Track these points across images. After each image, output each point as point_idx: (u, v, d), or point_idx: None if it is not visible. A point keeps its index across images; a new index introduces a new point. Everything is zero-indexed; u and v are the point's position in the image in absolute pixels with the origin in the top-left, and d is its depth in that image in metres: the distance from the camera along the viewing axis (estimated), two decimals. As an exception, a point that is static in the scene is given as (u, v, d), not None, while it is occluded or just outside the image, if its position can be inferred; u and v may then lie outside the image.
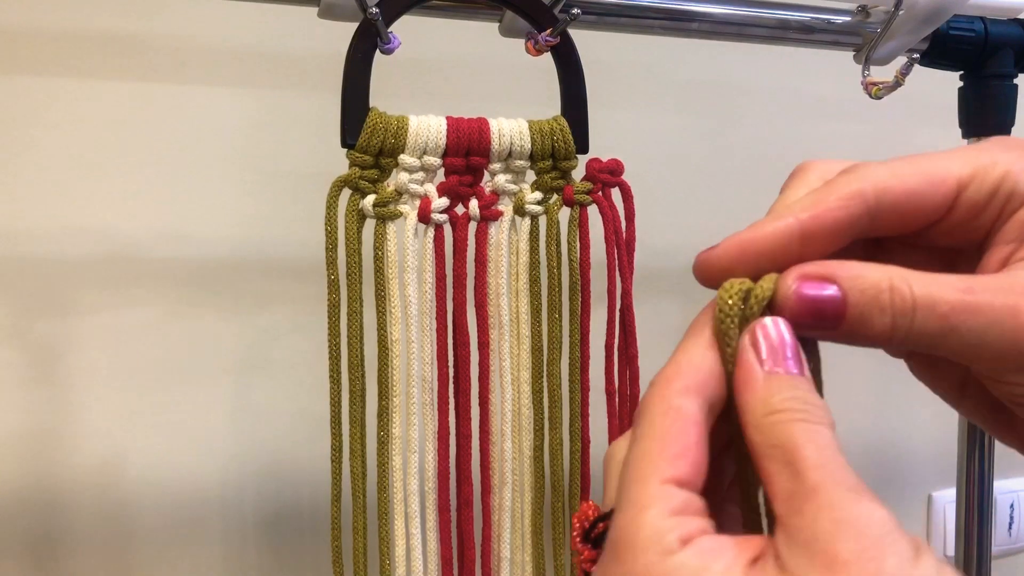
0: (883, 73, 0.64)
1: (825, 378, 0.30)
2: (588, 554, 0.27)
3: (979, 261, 0.29)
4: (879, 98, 0.63)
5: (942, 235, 0.29)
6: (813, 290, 0.27)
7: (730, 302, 0.28)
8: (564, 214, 0.56)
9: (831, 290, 0.27)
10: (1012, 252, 0.28)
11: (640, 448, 0.26)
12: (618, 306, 0.56)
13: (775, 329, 0.27)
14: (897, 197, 0.28)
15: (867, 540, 0.23)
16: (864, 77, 0.64)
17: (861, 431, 1.02)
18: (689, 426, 0.26)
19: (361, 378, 0.54)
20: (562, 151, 0.55)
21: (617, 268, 0.56)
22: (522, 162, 0.54)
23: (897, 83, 0.61)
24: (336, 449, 0.53)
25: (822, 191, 0.29)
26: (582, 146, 0.55)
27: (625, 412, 0.57)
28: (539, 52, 0.56)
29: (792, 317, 0.27)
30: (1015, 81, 0.71)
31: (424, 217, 0.53)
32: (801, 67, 0.93)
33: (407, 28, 0.53)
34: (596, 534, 0.27)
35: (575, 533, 0.28)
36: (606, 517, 0.27)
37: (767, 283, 0.28)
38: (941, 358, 0.29)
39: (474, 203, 0.54)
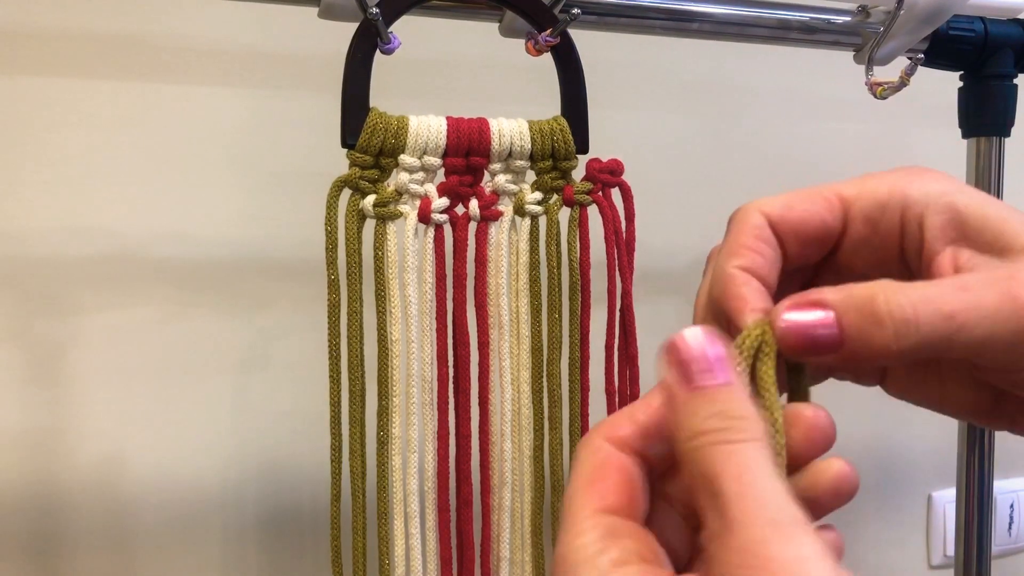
0: (883, 73, 0.64)
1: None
2: None
3: (926, 277, 0.30)
4: (884, 98, 0.63)
5: (858, 257, 0.31)
6: (802, 316, 0.27)
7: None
8: (564, 214, 0.56)
9: (820, 313, 0.27)
10: (954, 257, 0.29)
11: (572, 487, 0.27)
12: (618, 306, 0.56)
13: (692, 340, 0.26)
14: (793, 223, 0.30)
15: None
16: (868, 77, 0.64)
17: (861, 431, 1.02)
18: (610, 464, 0.27)
19: (361, 378, 0.54)
20: (562, 151, 0.55)
21: (617, 268, 0.56)
22: (522, 162, 0.54)
23: (902, 83, 0.61)
24: (336, 449, 0.53)
25: (730, 243, 0.30)
26: (582, 146, 0.55)
27: (625, 412, 0.57)
28: (539, 52, 0.56)
29: (789, 348, 0.27)
30: (1015, 81, 0.71)
31: (424, 217, 0.52)
32: (801, 67, 0.93)
33: (407, 28, 0.53)
34: None
35: None
36: None
37: (755, 328, 0.28)
38: (916, 369, 0.30)
39: (474, 203, 0.54)
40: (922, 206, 0.30)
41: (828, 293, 0.27)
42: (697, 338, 0.26)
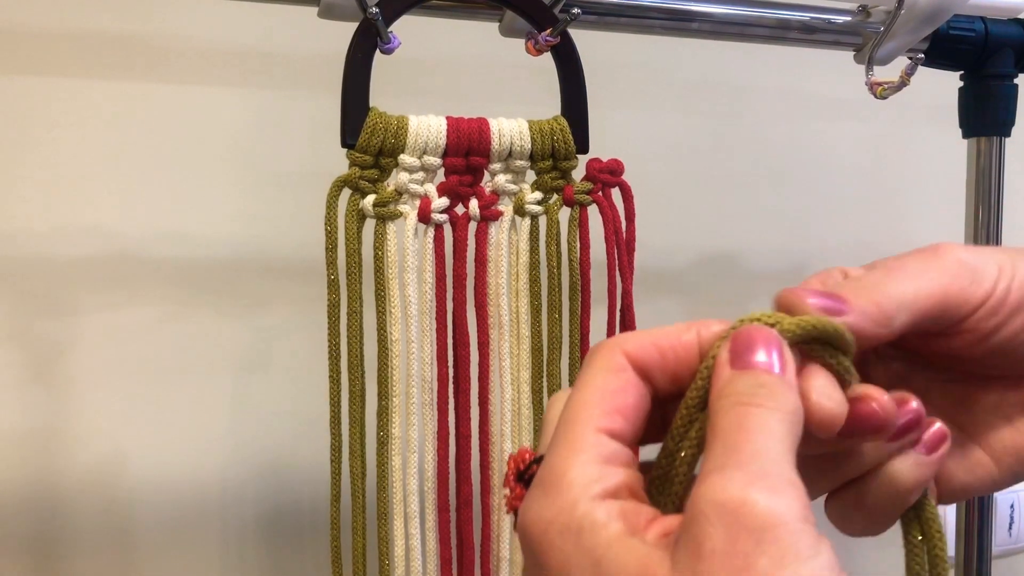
0: (884, 73, 0.64)
1: None
2: (519, 492, 0.28)
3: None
4: (884, 98, 0.63)
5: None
6: (821, 298, 0.29)
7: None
8: (564, 214, 0.56)
9: (833, 300, 0.29)
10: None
11: (581, 396, 0.26)
12: (618, 306, 0.56)
13: (762, 338, 0.27)
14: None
15: (743, 532, 0.21)
16: (869, 77, 0.64)
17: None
18: (630, 387, 0.27)
19: (361, 378, 0.54)
20: (562, 151, 0.55)
21: (617, 268, 0.56)
22: (522, 162, 0.54)
23: (902, 83, 0.61)
24: (336, 449, 0.53)
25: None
26: (582, 146, 0.55)
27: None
28: (539, 52, 0.55)
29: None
30: (1015, 81, 0.71)
31: (424, 217, 0.52)
32: (801, 67, 0.93)
33: (407, 28, 0.53)
34: (529, 475, 0.27)
35: (509, 472, 0.29)
36: (541, 460, 0.27)
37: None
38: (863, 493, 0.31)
39: (474, 203, 0.54)
40: None
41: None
42: (766, 335, 0.27)
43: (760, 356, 0.26)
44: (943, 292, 0.29)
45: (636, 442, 0.27)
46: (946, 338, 0.31)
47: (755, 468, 0.23)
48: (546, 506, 0.25)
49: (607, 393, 0.26)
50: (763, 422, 0.24)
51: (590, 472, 0.25)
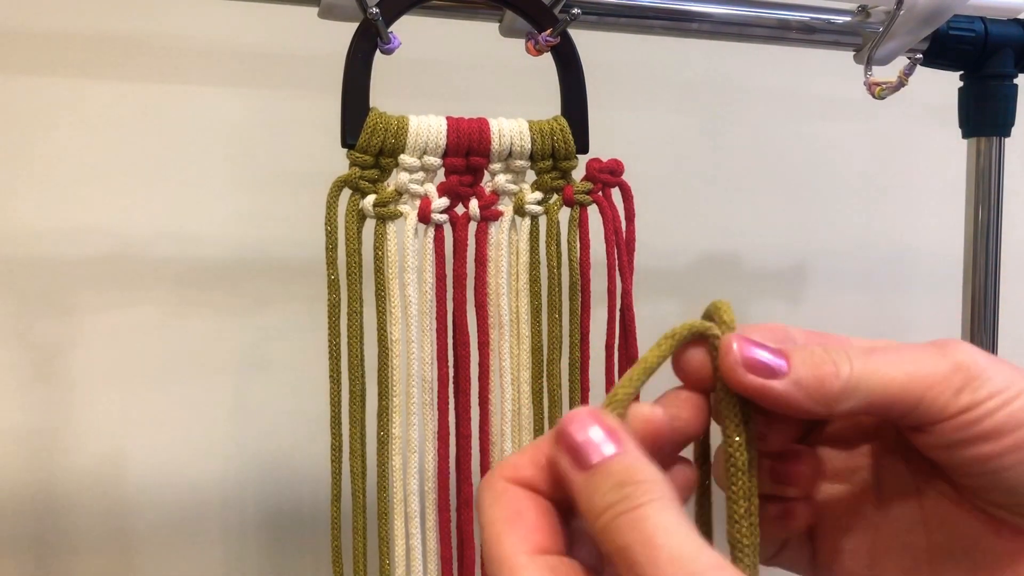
0: (883, 73, 0.64)
1: None
2: None
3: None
4: (882, 98, 0.63)
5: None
6: (754, 345, 0.28)
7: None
8: (564, 214, 0.56)
9: (769, 352, 0.29)
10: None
11: (491, 532, 0.26)
12: (618, 306, 0.56)
13: (576, 422, 0.26)
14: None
15: None
16: (867, 77, 0.64)
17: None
18: (525, 501, 0.27)
19: (361, 378, 0.54)
20: (562, 151, 0.55)
21: (617, 268, 0.56)
22: (522, 162, 0.54)
23: (900, 83, 0.61)
24: (336, 449, 0.53)
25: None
26: (582, 146, 0.55)
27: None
28: (539, 52, 0.55)
29: (746, 366, 0.28)
30: (1015, 81, 0.71)
31: (424, 217, 0.52)
32: (801, 67, 0.93)
33: (407, 28, 0.53)
34: None
35: None
36: None
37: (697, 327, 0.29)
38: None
39: (474, 203, 0.54)
40: None
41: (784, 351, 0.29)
42: (580, 419, 0.26)
43: (595, 442, 0.26)
44: (919, 390, 0.28)
45: (563, 547, 0.27)
46: (921, 433, 0.30)
47: (685, 571, 0.23)
48: None
49: (511, 517, 0.26)
50: (652, 521, 0.24)
51: None
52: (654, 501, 0.24)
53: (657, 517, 0.24)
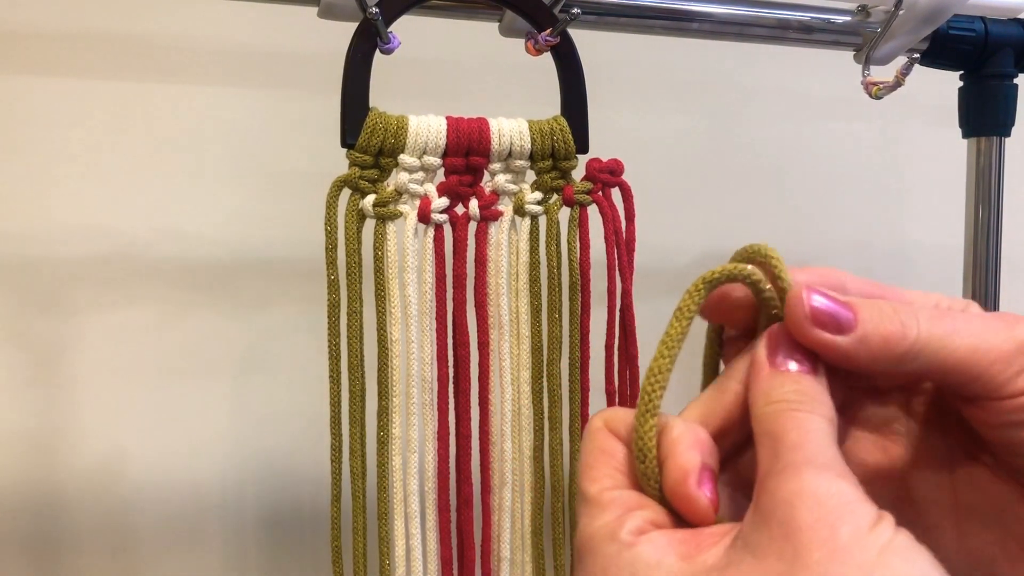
0: (883, 73, 0.64)
1: None
2: None
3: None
4: (879, 98, 0.63)
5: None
6: (827, 295, 0.29)
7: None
8: (564, 214, 0.56)
9: (840, 300, 0.29)
10: None
11: (581, 467, 0.29)
12: (618, 306, 0.56)
13: (786, 331, 0.29)
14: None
15: (824, 509, 0.24)
16: (864, 77, 0.64)
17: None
18: (617, 443, 0.29)
19: (361, 378, 0.54)
20: (562, 151, 0.55)
21: (617, 268, 0.56)
22: (522, 162, 0.54)
23: (897, 83, 0.61)
24: (336, 449, 0.53)
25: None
26: (582, 146, 0.55)
27: (625, 412, 0.57)
28: (539, 52, 0.55)
29: (814, 319, 0.29)
30: (1015, 81, 0.71)
31: (424, 217, 0.52)
32: (801, 67, 0.93)
33: (407, 28, 0.53)
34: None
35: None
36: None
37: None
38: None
39: (474, 203, 0.54)
40: None
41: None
42: (798, 332, 0.28)
43: (795, 360, 0.28)
44: (981, 365, 0.28)
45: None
46: (974, 407, 0.30)
47: (820, 462, 0.25)
48: (589, 571, 0.27)
49: (598, 453, 0.29)
50: (814, 425, 0.26)
51: (613, 526, 0.26)
52: (822, 416, 0.27)
53: (818, 424, 0.27)
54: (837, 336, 0.28)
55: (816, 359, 0.28)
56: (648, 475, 0.28)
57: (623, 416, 0.30)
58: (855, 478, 0.25)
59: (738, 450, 0.30)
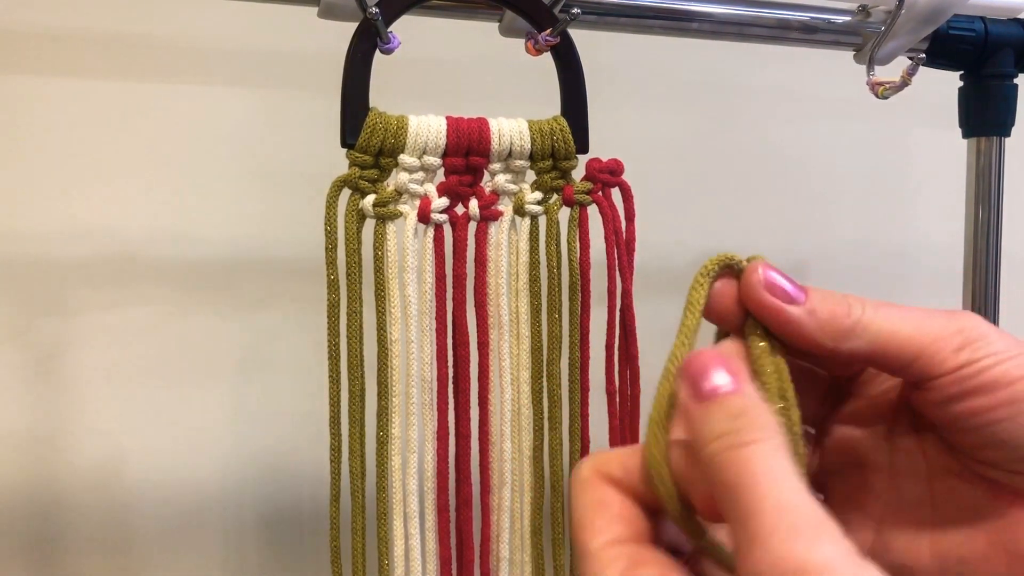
0: (882, 72, 0.64)
1: None
2: None
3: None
4: (885, 98, 0.63)
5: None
6: (779, 276, 0.30)
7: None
8: (564, 214, 0.56)
9: (794, 287, 0.31)
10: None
11: (577, 521, 0.28)
12: (618, 306, 0.56)
13: (699, 357, 0.28)
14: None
15: None
16: (870, 77, 0.64)
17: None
18: (611, 494, 0.28)
19: (360, 378, 0.54)
20: (562, 151, 0.55)
21: (617, 268, 0.56)
22: (522, 162, 0.54)
23: (904, 83, 0.61)
24: (335, 449, 0.53)
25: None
26: (582, 146, 0.55)
27: (625, 412, 0.57)
28: (539, 52, 0.55)
29: (767, 286, 0.30)
30: (1015, 81, 0.71)
31: (424, 217, 0.52)
32: (801, 67, 0.93)
33: (407, 28, 0.53)
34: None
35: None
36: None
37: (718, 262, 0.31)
38: None
39: (474, 203, 0.54)
40: None
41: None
42: (704, 354, 0.28)
43: (716, 379, 0.27)
44: (923, 343, 0.30)
45: (648, 536, 0.28)
46: (920, 391, 0.31)
47: (795, 521, 0.23)
48: None
49: (597, 507, 0.28)
50: (762, 464, 0.24)
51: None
52: (765, 441, 0.25)
53: (767, 459, 0.24)
54: (787, 305, 0.30)
55: (739, 371, 0.27)
56: (667, 495, 0.27)
57: (614, 458, 0.29)
58: (829, 520, 0.23)
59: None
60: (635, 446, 0.29)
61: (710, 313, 0.32)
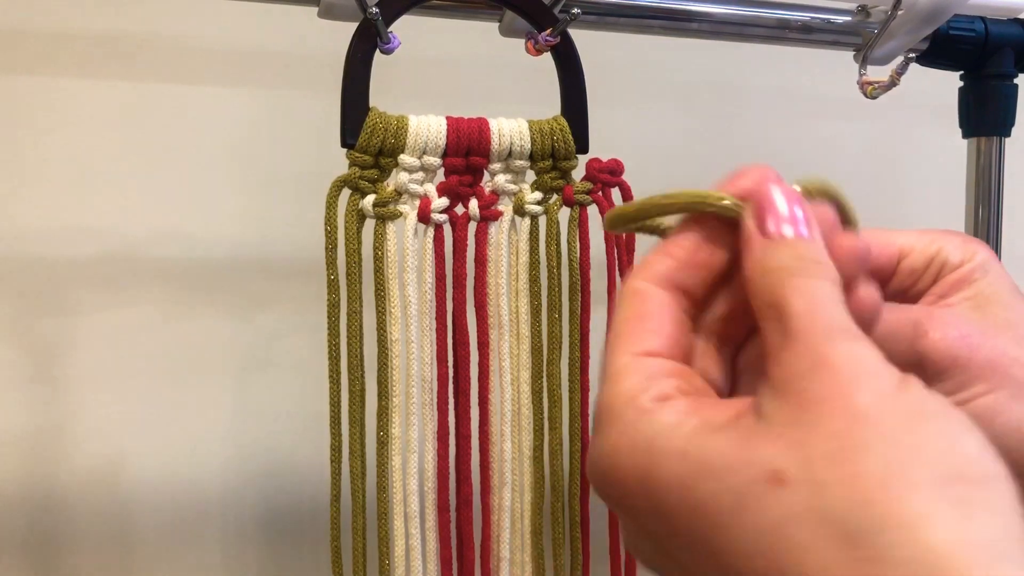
0: (883, 73, 0.64)
1: None
2: None
3: None
4: (874, 97, 0.63)
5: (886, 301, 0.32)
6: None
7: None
8: (564, 214, 0.56)
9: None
10: (932, 302, 0.32)
11: (614, 330, 0.27)
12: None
13: (776, 195, 0.27)
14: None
15: (841, 377, 0.23)
16: (860, 76, 0.64)
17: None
18: (655, 305, 0.27)
19: (361, 378, 0.54)
20: (562, 151, 0.55)
21: (617, 268, 0.56)
22: (522, 162, 0.54)
23: (892, 83, 0.61)
24: (336, 449, 0.53)
25: None
26: (582, 146, 0.55)
27: (625, 412, 0.57)
28: (539, 52, 0.55)
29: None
30: (1015, 81, 0.71)
31: (424, 217, 0.52)
32: (801, 67, 0.93)
33: (407, 28, 0.53)
34: None
35: None
36: None
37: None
38: None
39: (474, 203, 0.54)
40: None
41: None
42: (783, 191, 0.28)
43: (789, 224, 0.27)
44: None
45: (679, 351, 0.27)
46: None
47: (833, 326, 0.24)
48: (606, 437, 0.25)
49: (633, 319, 0.27)
50: (819, 290, 0.25)
51: (635, 391, 0.25)
52: (827, 279, 0.26)
53: (822, 287, 0.25)
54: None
55: (811, 222, 0.27)
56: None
57: (659, 258, 0.28)
58: (870, 340, 0.24)
59: (733, 339, 0.29)
60: (675, 237, 0.29)
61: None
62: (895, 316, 0.30)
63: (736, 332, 0.29)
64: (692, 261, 0.28)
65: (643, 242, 0.59)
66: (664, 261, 0.28)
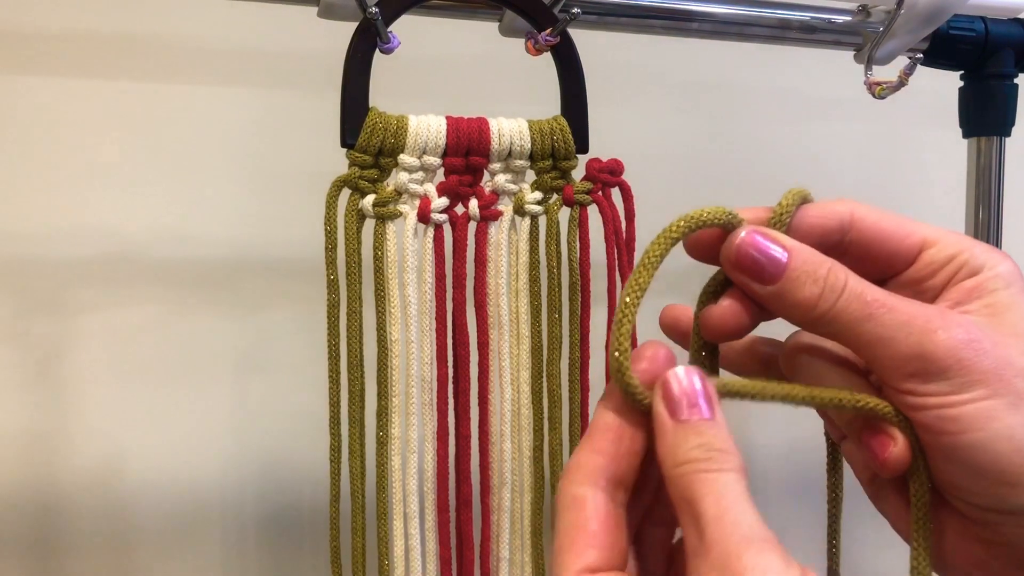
0: (883, 73, 0.64)
1: None
2: None
3: None
4: (882, 98, 0.63)
5: (899, 289, 0.33)
6: (764, 243, 0.31)
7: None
8: (564, 214, 0.56)
9: (778, 251, 0.31)
10: (950, 307, 0.32)
11: (557, 541, 0.29)
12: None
13: (685, 377, 0.29)
14: (869, 230, 0.33)
15: None
16: (867, 77, 0.64)
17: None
18: (592, 511, 0.29)
19: (360, 378, 0.54)
20: (562, 151, 0.55)
21: (617, 268, 0.56)
22: (522, 162, 0.54)
23: (901, 83, 0.61)
24: (335, 449, 0.53)
25: (808, 206, 0.33)
26: (582, 146, 0.55)
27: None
28: (539, 52, 0.55)
29: (736, 262, 0.31)
30: (1015, 81, 0.71)
31: (424, 217, 0.52)
32: (801, 67, 0.93)
33: (407, 28, 0.53)
34: None
35: None
36: None
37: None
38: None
39: (474, 203, 0.54)
40: None
41: (790, 240, 0.32)
42: (688, 375, 0.29)
43: (693, 407, 0.29)
44: (880, 360, 0.31)
45: (619, 555, 0.29)
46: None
47: (742, 536, 0.26)
48: None
49: (572, 531, 0.29)
50: (726, 488, 0.27)
51: None
52: (731, 471, 0.27)
53: (730, 485, 0.27)
54: (757, 284, 0.31)
55: (711, 400, 0.29)
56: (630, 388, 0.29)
57: (589, 456, 0.30)
58: (775, 539, 0.26)
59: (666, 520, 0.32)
60: (593, 431, 0.30)
61: (694, 252, 0.34)
62: (909, 309, 0.31)
63: (667, 513, 0.31)
64: (618, 454, 0.30)
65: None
66: (593, 459, 0.29)
